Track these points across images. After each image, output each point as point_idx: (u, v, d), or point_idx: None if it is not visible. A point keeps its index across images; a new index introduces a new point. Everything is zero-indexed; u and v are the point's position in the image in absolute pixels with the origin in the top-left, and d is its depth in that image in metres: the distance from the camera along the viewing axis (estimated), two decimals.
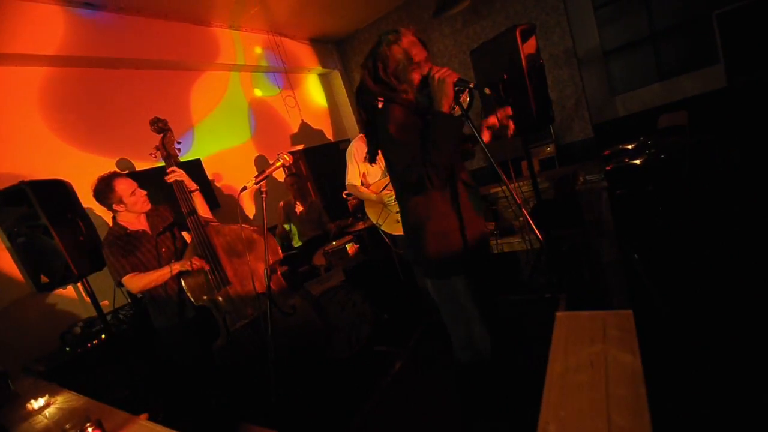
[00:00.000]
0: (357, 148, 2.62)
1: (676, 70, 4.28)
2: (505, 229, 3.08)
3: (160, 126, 2.10)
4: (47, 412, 1.58)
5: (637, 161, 2.81)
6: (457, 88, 1.26)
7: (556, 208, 2.79)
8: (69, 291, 2.80)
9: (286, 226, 3.66)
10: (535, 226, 1.34)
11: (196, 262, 1.91)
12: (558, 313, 0.93)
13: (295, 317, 2.03)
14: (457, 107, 1.34)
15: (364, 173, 2.70)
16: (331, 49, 5.43)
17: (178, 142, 2.17)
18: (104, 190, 1.93)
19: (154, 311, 2.05)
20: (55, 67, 2.88)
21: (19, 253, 2.18)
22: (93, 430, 1.17)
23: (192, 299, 2.02)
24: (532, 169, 2.59)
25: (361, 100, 1.43)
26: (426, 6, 4.68)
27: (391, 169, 1.45)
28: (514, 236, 2.95)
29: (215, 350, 1.98)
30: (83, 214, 2.30)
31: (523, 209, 1.26)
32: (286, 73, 4.84)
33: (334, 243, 2.94)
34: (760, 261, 2.23)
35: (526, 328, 2.28)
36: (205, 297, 2.00)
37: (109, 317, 2.64)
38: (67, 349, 2.49)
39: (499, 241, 3.03)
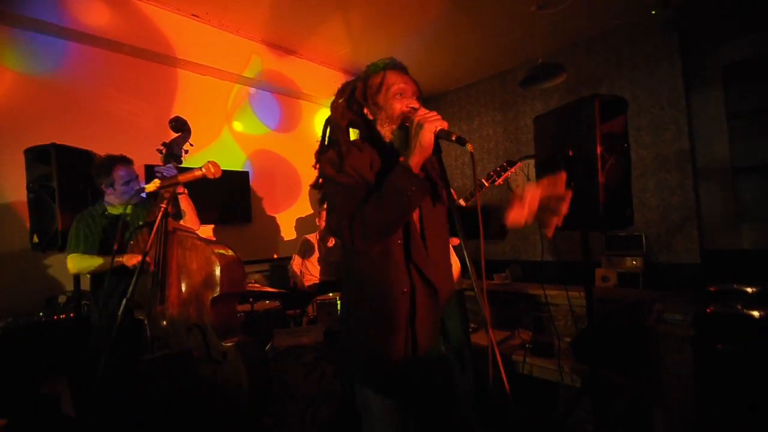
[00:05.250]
0: None
1: None
2: (542, 346, 2.37)
3: (176, 126, 2.03)
4: None
5: (756, 313, 1.96)
6: (440, 137, 0.93)
7: (615, 342, 2.04)
8: None
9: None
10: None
11: (133, 259, 1.71)
12: None
13: (222, 368, 1.65)
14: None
15: None
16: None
17: (191, 144, 2.08)
18: (102, 169, 1.90)
19: (93, 305, 1.88)
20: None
21: (29, 207, 2.23)
22: None
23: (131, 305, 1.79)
24: (588, 277, 1.95)
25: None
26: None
27: None
28: (549, 359, 2.23)
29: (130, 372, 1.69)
30: (97, 190, 2.30)
31: (489, 326, 0.77)
32: None
33: (330, 294, 2.56)
34: None
35: None
36: (144, 310, 1.75)
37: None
38: (41, 314, 2.44)
39: (528, 358, 2.32)
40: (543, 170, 1.94)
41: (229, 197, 3.47)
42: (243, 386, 1.61)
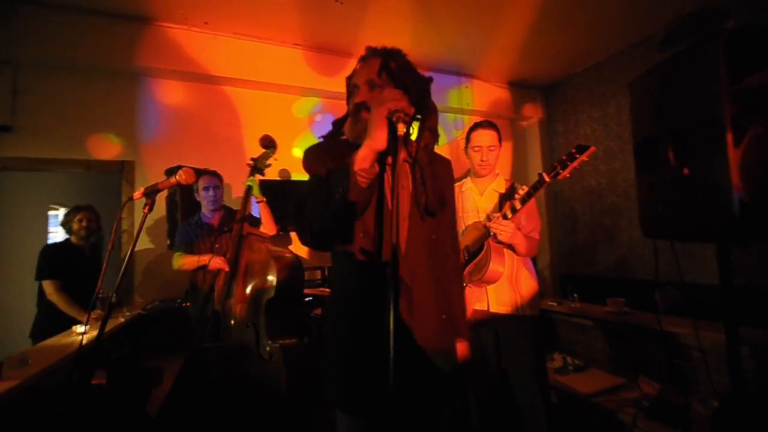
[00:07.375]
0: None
1: None
2: (666, 408, 1.64)
3: (264, 143, 2.25)
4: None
5: None
6: (396, 120, 0.72)
7: None
8: None
9: None
10: None
11: (215, 262, 1.95)
12: None
13: (267, 367, 1.72)
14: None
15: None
16: (535, 94, 4.73)
17: (275, 159, 2.29)
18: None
19: (191, 296, 2.24)
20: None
21: (166, 217, 2.85)
22: None
23: (215, 299, 2.06)
24: (731, 321, 1.26)
25: None
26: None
27: None
28: (673, 429, 1.51)
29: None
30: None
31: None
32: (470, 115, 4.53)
33: None
34: None
35: None
36: (220, 303, 1.99)
37: None
38: (179, 300, 3.06)
39: (641, 421, 1.64)
40: (642, 155, 1.36)
41: None
42: (282, 387, 1.64)
